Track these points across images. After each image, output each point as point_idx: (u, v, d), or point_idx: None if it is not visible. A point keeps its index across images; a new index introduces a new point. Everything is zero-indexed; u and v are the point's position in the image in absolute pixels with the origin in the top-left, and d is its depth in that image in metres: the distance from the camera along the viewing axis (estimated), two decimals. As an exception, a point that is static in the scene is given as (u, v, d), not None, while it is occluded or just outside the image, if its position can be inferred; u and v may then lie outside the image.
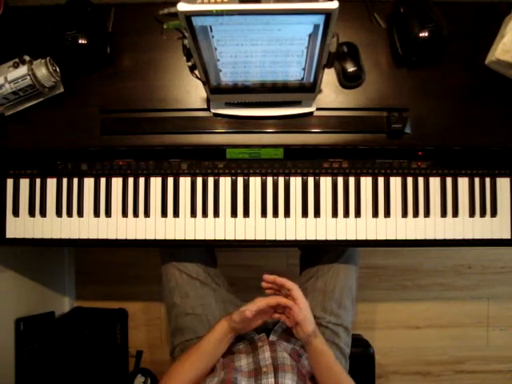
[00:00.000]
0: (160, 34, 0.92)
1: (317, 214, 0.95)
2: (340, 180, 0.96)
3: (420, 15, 0.86)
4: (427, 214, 0.95)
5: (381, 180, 0.96)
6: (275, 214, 0.95)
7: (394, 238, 0.95)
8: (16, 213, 0.96)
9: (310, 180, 0.96)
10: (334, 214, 0.95)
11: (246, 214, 0.95)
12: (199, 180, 0.96)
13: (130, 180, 0.97)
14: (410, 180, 0.96)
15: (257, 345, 0.87)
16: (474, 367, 1.67)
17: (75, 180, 0.97)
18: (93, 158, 0.96)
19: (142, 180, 0.97)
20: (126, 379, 1.52)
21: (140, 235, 0.96)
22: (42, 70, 0.87)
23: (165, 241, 0.96)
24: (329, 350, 0.83)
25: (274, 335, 0.93)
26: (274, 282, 0.85)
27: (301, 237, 0.95)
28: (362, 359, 1.14)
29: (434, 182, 0.96)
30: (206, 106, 0.92)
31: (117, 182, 0.97)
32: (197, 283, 0.99)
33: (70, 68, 0.93)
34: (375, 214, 0.95)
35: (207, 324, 0.95)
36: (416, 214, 0.95)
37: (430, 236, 0.95)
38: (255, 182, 0.96)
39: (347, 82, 0.92)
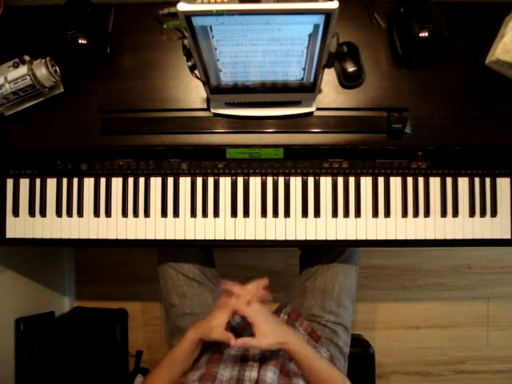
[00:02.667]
0: (160, 34, 0.92)
1: (317, 214, 0.95)
2: (340, 180, 0.96)
3: (420, 15, 0.86)
4: (427, 214, 0.95)
5: (381, 180, 0.96)
6: (275, 214, 0.95)
7: (394, 238, 0.95)
8: (16, 213, 0.96)
9: (310, 180, 0.96)
10: (334, 214, 0.95)
11: (246, 214, 0.95)
12: (199, 180, 0.96)
13: (130, 180, 0.97)
14: (409, 180, 0.96)
15: None
16: (474, 367, 1.67)
17: (75, 180, 0.97)
18: (93, 157, 0.96)
19: (142, 180, 0.97)
20: (126, 379, 1.52)
21: (140, 235, 0.96)
22: (41, 70, 0.87)
23: (165, 241, 0.96)
24: (305, 350, 0.80)
25: None
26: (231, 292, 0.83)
27: (301, 237, 0.95)
28: (362, 359, 1.14)
29: (434, 182, 0.96)
30: (206, 106, 0.92)
31: (117, 182, 0.97)
32: (194, 283, 1.00)
33: (70, 68, 0.93)
34: (375, 214, 0.95)
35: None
36: (416, 214, 0.95)
37: (430, 236, 0.95)
38: (255, 182, 0.96)
39: (347, 81, 0.92)
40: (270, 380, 0.74)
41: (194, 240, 0.95)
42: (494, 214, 0.95)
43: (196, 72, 0.77)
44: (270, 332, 0.77)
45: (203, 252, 1.06)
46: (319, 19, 0.60)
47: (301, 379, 0.78)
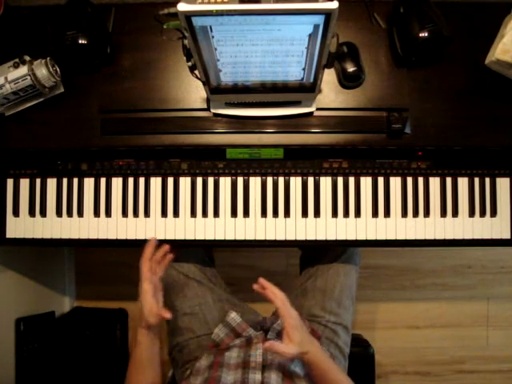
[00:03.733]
0: (160, 34, 0.91)
1: (317, 214, 0.95)
2: (340, 180, 0.96)
3: (420, 15, 0.86)
4: (427, 214, 0.95)
5: (381, 180, 0.96)
6: (275, 214, 0.95)
7: (393, 238, 0.95)
8: (16, 213, 0.96)
9: (310, 180, 0.96)
10: (334, 214, 0.95)
11: (246, 214, 0.95)
12: (199, 180, 0.96)
13: (130, 180, 0.97)
14: (409, 180, 0.96)
15: (252, 341, 0.88)
16: (474, 367, 1.67)
17: (75, 180, 0.97)
18: (93, 157, 0.96)
19: (142, 180, 0.97)
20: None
21: (140, 235, 0.96)
22: (42, 70, 0.87)
23: (165, 241, 0.95)
24: (323, 362, 0.77)
25: (271, 333, 0.93)
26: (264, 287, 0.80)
27: (301, 237, 0.95)
28: (362, 359, 1.14)
29: (434, 182, 0.96)
30: (206, 106, 0.92)
31: (117, 182, 0.97)
32: (194, 283, 0.99)
33: (70, 68, 0.93)
34: (375, 214, 0.95)
35: (205, 323, 0.96)
36: (416, 214, 0.95)
37: (429, 236, 0.95)
38: (255, 182, 0.96)
39: (347, 81, 0.92)
40: (275, 382, 0.74)
41: (194, 240, 0.95)
42: (493, 214, 0.95)
43: (196, 72, 0.77)
44: (298, 342, 0.74)
45: (203, 252, 1.06)
46: (319, 19, 0.60)
47: (303, 381, 0.78)
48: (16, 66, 0.87)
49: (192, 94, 0.93)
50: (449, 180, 0.96)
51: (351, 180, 0.96)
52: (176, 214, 0.95)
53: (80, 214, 0.96)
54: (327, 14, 0.59)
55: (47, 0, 0.93)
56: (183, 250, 1.01)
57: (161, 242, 0.88)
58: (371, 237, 0.95)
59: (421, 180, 0.96)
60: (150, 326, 0.82)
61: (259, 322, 0.99)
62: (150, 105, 0.93)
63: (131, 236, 0.96)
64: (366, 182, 0.96)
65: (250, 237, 0.95)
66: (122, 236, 0.96)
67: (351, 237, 0.95)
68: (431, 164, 0.95)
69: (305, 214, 0.95)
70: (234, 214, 0.95)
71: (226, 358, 0.82)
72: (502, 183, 0.96)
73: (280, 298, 0.78)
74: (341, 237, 0.95)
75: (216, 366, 0.80)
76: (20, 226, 0.97)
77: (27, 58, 0.88)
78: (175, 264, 1.00)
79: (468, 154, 0.95)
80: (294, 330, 0.75)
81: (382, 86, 0.93)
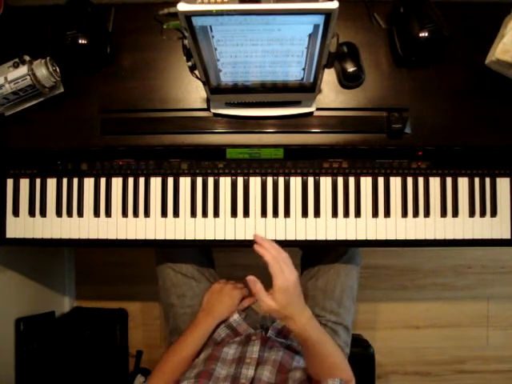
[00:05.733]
0: (160, 34, 0.91)
1: (317, 214, 0.95)
2: (340, 180, 0.96)
3: (420, 15, 0.86)
4: (427, 214, 0.95)
5: (381, 180, 0.96)
6: (275, 214, 0.95)
7: (393, 238, 0.95)
8: (16, 213, 0.96)
9: (310, 180, 0.96)
10: (334, 214, 0.95)
11: (246, 214, 0.95)
12: (199, 180, 0.96)
13: (130, 180, 0.97)
14: (409, 180, 0.96)
15: (251, 338, 0.88)
16: (474, 367, 1.67)
17: (75, 180, 0.97)
18: (93, 157, 0.96)
19: (141, 180, 0.97)
20: (125, 379, 1.52)
21: (140, 235, 0.96)
22: (42, 70, 0.87)
23: (165, 241, 0.96)
24: (310, 332, 0.73)
25: (271, 331, 0.93)
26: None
27: (301, 237, 0.95)
28: (362, 359, 1.14)
29: (434, 182, 0.96)
30: (206, 106, 0.92)
31: (117, 182, 0.97)
32: (193, 282, 1.00)
33: (70, 68, 0.93)
34: (375, 214, 0.95)
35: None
36: (416, 214, 0.95)
37: (430, 236, 0.95)
38: (255, 182, 0.96)
39: (347, 81, 0.92)
40: (267, 379, 0.74)
41: (194, 240, 0.95)
42: (493, 213, 0.95)
43: (196, 72, 0.77)
44: (282, 305, 0.70)
45: (202, 253, 1.06)
46: (319, 19, 0.60)
47: (298, 371, 0.78)
48: (16, 66, 0.87)
49: (192, 93, 0.93)
50: (449, 180, 0.96)
51: (351, 180, 0.96)
52: (176, 214, 0.95)
53: (80, 214, 0.96)
54: (327, 14, 0.59)
55: (47, 0, 0.93)
56: (182, 251, 1.02)
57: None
58: (371, 237, 0.95)
59: (421, 180, 0.96)
60: (221, 317, 0.94)
61: (259, 320, 1.00)
62: (150, 105, 0.93)
63: (131, 236, 0.96)
64: (366, 182, 0.96)
65: (250, 237, 0.95)
66: (122, 236, 0.96)
67: (351, 237, 0.95)
68: (431, 164, 0.95)
69: (305, 214, 0.95)
70: (233, 214, 0.95)
71: (223, 354, 0.83)
72: (503, 183, 0.96)
73: (272, 255, 0.73)
74: (341, 237, 0.95)
75: (212, 360, 0.80)
76: (20, 226, 0.97)
77: (27, 57, 0.88)
78: (173, 265, 1.00)
79: (468, 154, 0.95)
80: (281, 293, 0.70)
81: (382, 85, 0.93)
